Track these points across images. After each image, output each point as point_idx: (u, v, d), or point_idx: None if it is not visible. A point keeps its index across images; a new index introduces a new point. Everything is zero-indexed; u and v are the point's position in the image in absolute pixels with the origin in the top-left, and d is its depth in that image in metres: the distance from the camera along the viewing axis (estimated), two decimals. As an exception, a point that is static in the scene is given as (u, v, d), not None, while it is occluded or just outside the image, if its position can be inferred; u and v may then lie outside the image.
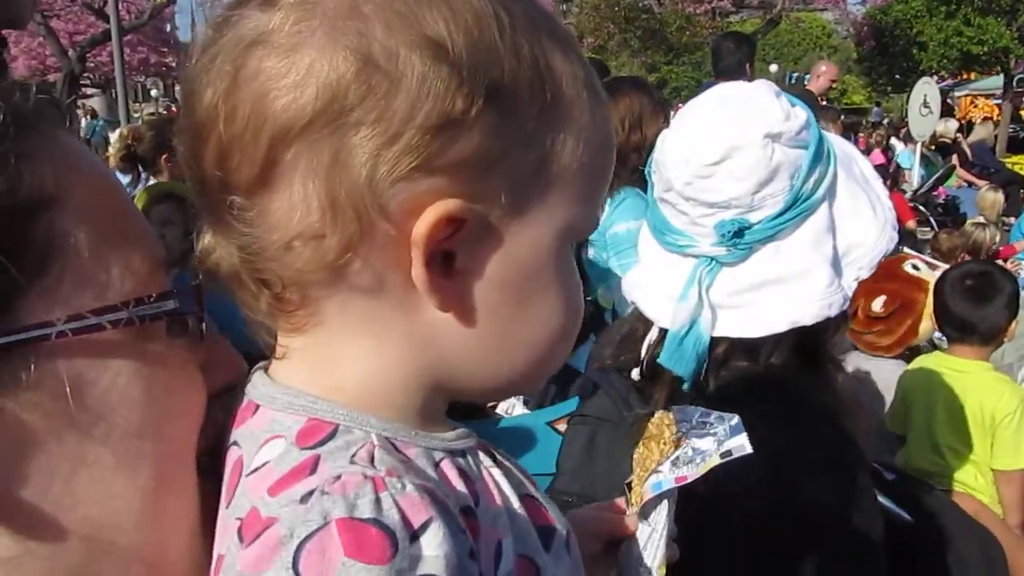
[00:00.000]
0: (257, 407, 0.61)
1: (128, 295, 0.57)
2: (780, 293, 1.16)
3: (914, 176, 12.88)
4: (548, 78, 0.58)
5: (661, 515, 0.78)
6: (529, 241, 0.59)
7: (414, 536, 0.49)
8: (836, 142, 1.28)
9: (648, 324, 1.27)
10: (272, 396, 0.60)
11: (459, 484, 0.59)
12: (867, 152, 14.91)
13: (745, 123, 1.15)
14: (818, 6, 29.20)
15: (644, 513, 0.79)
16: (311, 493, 0.50)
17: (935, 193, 11.87)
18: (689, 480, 0.76)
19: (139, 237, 0.61)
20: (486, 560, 0.57)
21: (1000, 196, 10.08)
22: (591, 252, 3.26)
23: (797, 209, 1.16)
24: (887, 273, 3.60)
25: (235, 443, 0.61)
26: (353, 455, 0.54)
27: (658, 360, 1.20)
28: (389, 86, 0.52)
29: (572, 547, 0.68)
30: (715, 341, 1.19)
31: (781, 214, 1.15)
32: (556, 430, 2.41)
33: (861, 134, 16.73)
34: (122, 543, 0.57)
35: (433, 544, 0.49)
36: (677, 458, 0.79)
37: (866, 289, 3.49)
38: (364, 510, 0.49)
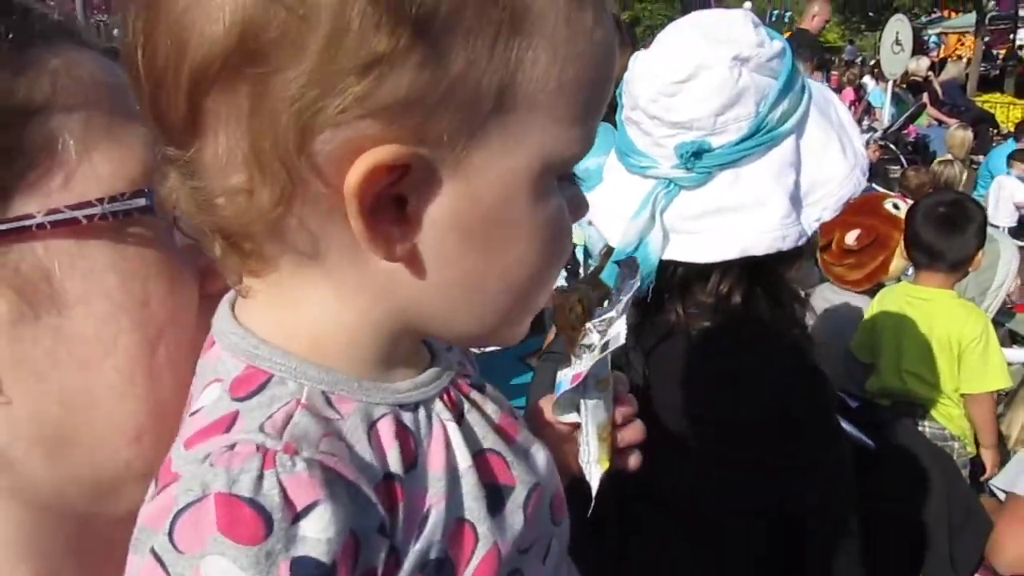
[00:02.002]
0: (214, 341, 0.60)
1: (112, 192, 0.60)
2: (734, 220, 1.16)
3: (885, 114, 12.90)
4: None
5: (589, 408, 0.74)
6: (494, 177, 0.53)
7: (295, 518, 0.48)
8: (816, 86, 1.28)
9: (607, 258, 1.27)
10: (224, 332, 0.59)
11: (392, 446, 0.57)
12: (839, 90, 14.91)
13: (715, 44, 1.14)
14: (793, -58, 28.83)
15: (560, 410, 0.75)
16: (208, 456, 0.50)
17: (905, 131, 11.91)
18: (583, 377, 0.71)
19: (132, 142, 0.62)
20: (405, 530, 0.56)
21: (969, 134, 10.16)
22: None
23: (760, 137, 1.15)
24: (866, 208, 3.63)
25: (196, 373, 0.61)
26: (268, 417, 0.52)
27: (600, 276, 1.20)
28: (301, 23, 0.47)
29: (535, 503, 0.65)
30: (667, 266, 1.19)
31: (743, 140, 1.14)
32: (527, 364, 2.42)
33: (834, 72, 16.70)
34: (102, 412, 0.61)
35: (317, 527, 0.48)
36: (583, 347, 0.74)
37: (842, 221, 3.53)
38: (244, 487, 0.48)
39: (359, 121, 0.48)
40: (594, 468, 0.74)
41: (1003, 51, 26.15)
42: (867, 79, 15.92)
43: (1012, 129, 13.50)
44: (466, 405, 0.65)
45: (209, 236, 0.56)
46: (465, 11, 0.49)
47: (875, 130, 12.28)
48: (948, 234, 2.88)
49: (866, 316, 3.12)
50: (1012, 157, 10.02)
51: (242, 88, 0.49)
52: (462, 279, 0.56)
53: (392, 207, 0.52)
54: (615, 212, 1.24)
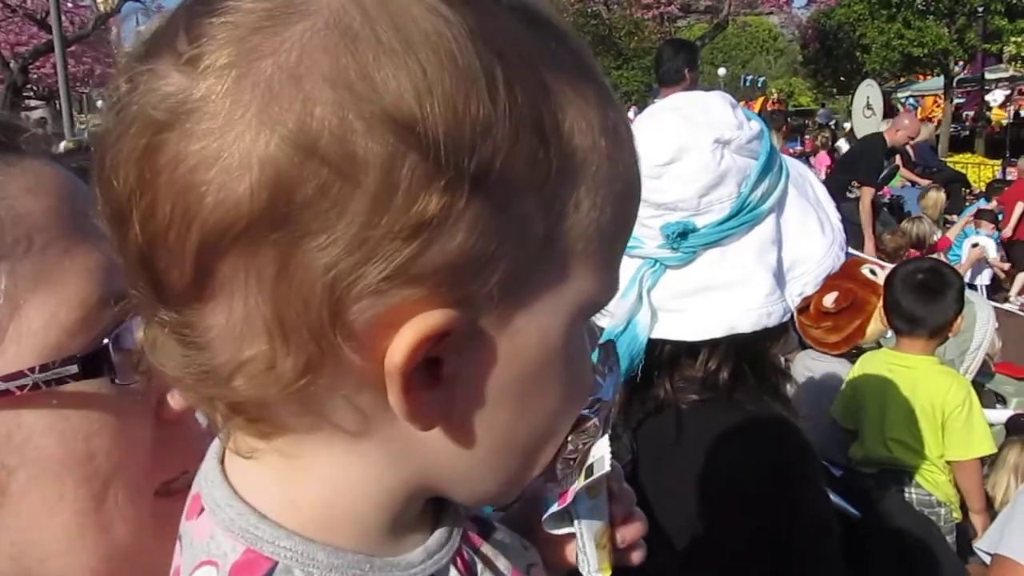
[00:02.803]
0: (202, 506, 0.53)
1: (49, 350, 0.57)
2: (721, 298, 1.18)
3: (860, 176, 13.12)
4: (554, 138, 0.45)
5: (582, 518, 0.70)
6: (535, 333, 0.48)
7: None
8: (791, 162, 1.31)
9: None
10: (218, 503, 0.52)
11: None
12: (813, 153, 15.20)
13: (696, 127, 1.17)
14: (764, 10, 29.63)
15: (552, 524, 0.71)
16: None
17: (880, 193, 12.11)
18: (568, 500, 0.67)
19: (72, 279, 0.58)
20: None
21: (942, 195, 10.35)
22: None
23: (743, 217, 1.17)
24: (843, 273, 3.67)
25: (180, 538, 0.55)
26: None
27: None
28: (343, 182, 0.41)
29: None
30: (655, 343, 1.20)
31: (727, 220, 1.17)
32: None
33: (808, 136, 17.05)
34: (54, 565, 0.60)
35: None
36: (565, 460, 0.68)
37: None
38: None
39: (402, 288, 0.43)
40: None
41: (971, 112, 26.85)
42: (841, 142, 16.23)
43: (983, 188, 13.78)
44: (479, 565, 0.59)
45: (209, 404, 0.50)
46: (517, 162, 0.44)
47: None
48: (927, 301, 2.91)
49: (847, 383, 3.14)
50: (978, 217, 10.25)
51: (267, 252, 0.42)
52: (491, 437, 0.50)
53: (427, 371, 0.45)
54: None
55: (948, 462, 2.93)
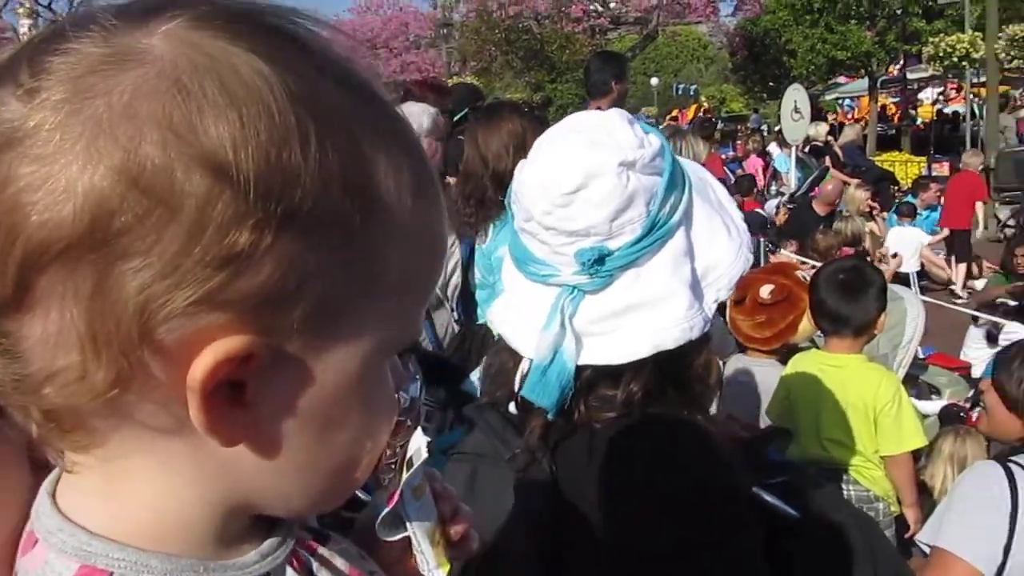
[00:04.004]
0: (36, 539, 0.55)
1: None
2: (642, 318, 1.19)
3: (791, 178, 13.43)
4: (364, 192, 0.51)
5: (412, 519, 0.73)
6: (334, 367, 0.53)
7: None
8: (691, 168, 1.32)
9: (518, 356, 1.28)
10: (49, 530, 0.54)
11: None
12: (745, 157, 15.50)
13: (600, 150, 1.17)
14: (692, 19, 30.14)
15: (386, 530, 0.74)
16: None
17: (812, 193, 12.38)
18: (396, 500, 0.71)
19: None
20: None
21: (863, 193, 10.67)
22: (478, 275, 3.29)
23: (655, 235, 1.18)
24: (781, 270, 3.76)
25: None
26: None
27: (521, 393, 1.21)
28: (161, 212, 0.45)
29: None
30: (580, 368, 1.21)
31: (639, 240, 1.18)
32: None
33: (739, 140, 17.35)
34: None
35: None
36: (385, 466, 0.75)
37: (757, 279, 3.64)
38: None
39: (209, 312, 0.47)
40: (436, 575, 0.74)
41: (897, 112, 27.62)
42: (772, 146, 16.57)
43: (910, 185, 14.16)
44: (315, 564, 0.64)
45: (22, 411, 0.52)
46: (324, 211, 0.49)
47: (783, 194, 12.77)
48: (850, 300, 2.99)
49: (780, 384, 3.20)
50: (899, 213, 10.58)
51: (85, 271, 0.46)
52: (297, 458, 0.55)
53: (230, 392, 0.50)
54: (525, 323, 1.25)
55: (882, 457, 3.00)
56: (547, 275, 1.23)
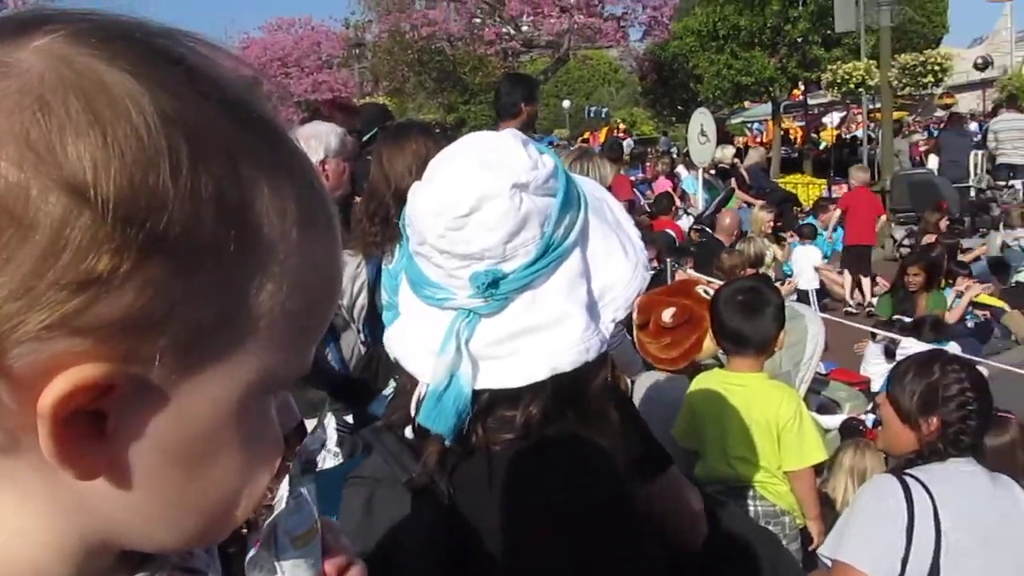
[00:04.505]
0: None
1: None
2: (538, 341, 1.18)
3: (699, 200, 13.77)
4: (241, 220, 0.49)
5: (286, 571, 0.69)
6: (205, 400, 0.51)
7: None
8: (588, 187, 1.32)
9: (415, 380, 1.26)
10: None
11: None
12: (654, 179, 15.84)
13: (492, 173, 1.17)
14: (603, 44, 30.65)
15: (253, 573, 0.69)
16: None
17: (719, 215, 12.70)
18: (260, 544, 0.68)
19: None
20: None
21: (763, 213, 11.03)
22: (384, 296, 3.25)
23: (550, 256, 1.18)
24: (680, 290, 3.82)
25: None
26: None
27: (418, 420, 1.20)
28: (14, 231, 0.43)
29: None
30: (477, 392, 1.20)
31: (534, 262, 1.17)
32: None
33: (648, 163, 17.73)
34: None
35: None
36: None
37: (659, 301, 3.70)
38: None
39: (65, 338, 0.45)
40: None
41: (799, 136, 28.68)
42: (680, 168, 16.96)
43: (812, 206, 14.67)
44: None
45: None
46: (194, 236, 0.47)
47: (691, 215, 13.08)
48: (749, 319, 3.06)
49: (685, 404, 3.24)
50: (800, 234, 10.98)
51: None
52: (164, 495, 0.52)
53: (90, 423, 0.47)
54: (422, 347, 1.24)
55: (785, 472, 3.07)
56: (442, 298, 1.22)
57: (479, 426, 1.22)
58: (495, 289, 1.17)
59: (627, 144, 23.09)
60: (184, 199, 0.46)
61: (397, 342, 1.30)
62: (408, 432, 1.28)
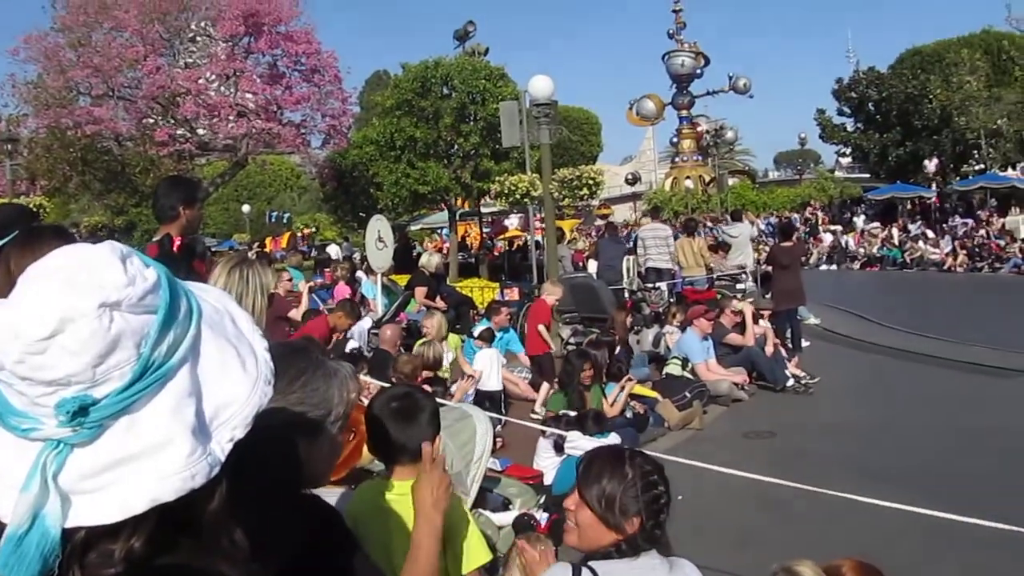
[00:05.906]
0: None
1: None
2: (137, 470, 1.08)
3: (378, 304, 13.95)
4: None
5: None
6: None
7: None
8: (211, 297, 1.25)
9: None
10: None
11: None
12: (333, 285, 15.84)
13: (77, 291, 1.07)
14: (283, 150, 30.56)
15: None
16: None
17: (398, 319, 12.95)
18: None
19: None
20: None
21: (442, 319, 11.42)
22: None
23: (149, 378, 1.09)
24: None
25: None
26: None
27: None
28: None
29: None
30: (72, 530, 1.07)
31: (130, 385, 1.08)
32: None
33: (327, 269, 17.75)
34: None
35: None
36: None
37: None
38: None
39: None
40: None
41: (476, 242, 30.26)
42: (360, 273, 17.15)
43: (485, 309, 15.41)
44: None
45: None
46: None
47: (372, 320, 13.21)
48: (405, 427, 3.07)
49: (346, 516, 3.17)
50: (480, 338, 11.50)
51: None
52: None
53: None
54: (6, 483, 1.09)
55: (457, 579, 3.08)
56: (28, 429, 1.08)
57: (76, 567, 1.09)
58: (85, 417, 1.06)
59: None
60: None
61: None
62: None
